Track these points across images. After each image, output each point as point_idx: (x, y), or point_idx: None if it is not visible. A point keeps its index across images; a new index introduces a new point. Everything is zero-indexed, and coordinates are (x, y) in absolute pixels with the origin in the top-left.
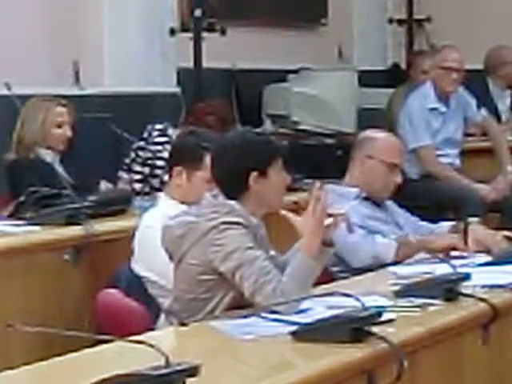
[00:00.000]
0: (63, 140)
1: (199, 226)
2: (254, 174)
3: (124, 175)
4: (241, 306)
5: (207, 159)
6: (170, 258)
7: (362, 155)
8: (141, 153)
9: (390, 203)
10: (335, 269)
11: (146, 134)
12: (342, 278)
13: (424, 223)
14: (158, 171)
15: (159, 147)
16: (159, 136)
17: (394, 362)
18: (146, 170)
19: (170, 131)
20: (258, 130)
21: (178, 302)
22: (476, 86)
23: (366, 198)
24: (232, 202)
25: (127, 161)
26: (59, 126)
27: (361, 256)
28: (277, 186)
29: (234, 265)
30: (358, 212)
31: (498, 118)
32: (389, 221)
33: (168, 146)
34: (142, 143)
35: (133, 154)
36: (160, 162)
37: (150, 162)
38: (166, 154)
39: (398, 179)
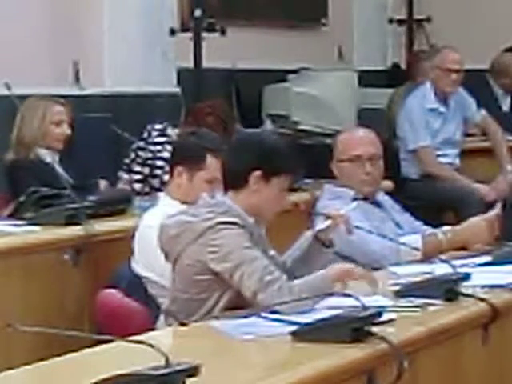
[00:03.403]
0: (62, 139)
1: (195, 227)
2: (257, 173)
3: (124, 175)
4: (238, 306)
5: (209, 160)
6: (166, 256)
7: (333, 161)
8: (141, 153)
9: (386, 198)
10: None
11: (145, 134)
12: None
13: (419, 223)
14: (158, 171)
15: (159, 147)
16: (159, 136)
17: (393, 362)
18: (146, 170)
19: (170, 131)
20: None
21: (175, 302)
22: (479, 86)
23: (365, 198)
24: (228, 201)
25: (127, 161)
26: (58, 125)
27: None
28: (273, 199)
29: (232, 265)
30: (360, 213)
31: (502, 116)
32: (386, 218)
33: (168, 146)
34: (141, 143)
35: (132, 155)
36: (160, 162)
37: (149, 162)
38: (165, 154)
39: (368, 169)
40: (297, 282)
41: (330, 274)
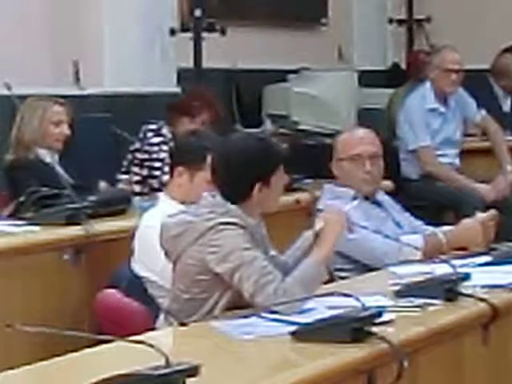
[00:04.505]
0: (62, 139)
1: (196, 226)
2: (258, 184)
3: (123, 177)
4: (238, 306)
5: (209, 159)
6: (166, 255)
7: (334, 161)
8: (138, 154)
9: (386, 198)
10: (346, 266)
11: (141, 135)
12: (341, 278)
13: (419, 223)
14: (157, 172)
15: (155, 148)
16: (154, 136)
17: (394, 362)
18: (144, 171)
19: (165, 131)
20: (258, 131)
21: (175, 301)
22: (480, 85)
23: (365, 198)
24: (228, 202)
25: (125, 163)
26: (57, 125)
27: (390, 255)
28: (277, 191)
29: (232, 266)
30: (360, 212)
31: (503, 116)
32: (386, 218)
33: (164, 146)
34: (137, 145)
35: (130, 156)
36: (157, 163)
37: (147, 163)
38: (162, 155)
39: (368, 167)
40: (289, 279)
41: (319, 259)
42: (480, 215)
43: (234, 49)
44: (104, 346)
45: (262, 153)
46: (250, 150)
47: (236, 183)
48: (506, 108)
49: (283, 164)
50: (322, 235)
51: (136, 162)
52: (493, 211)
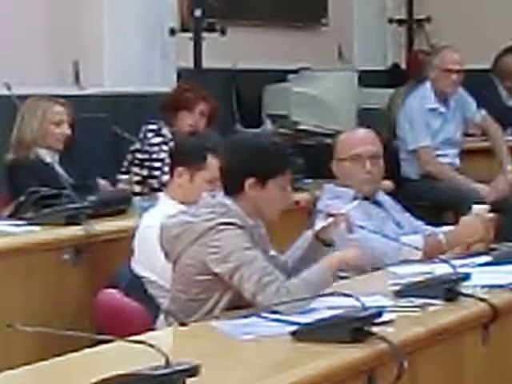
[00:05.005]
0: (62, 139)
1: (195, 227)
2: (251, 180)
3: (123, 177)
4: (238, 306)
5: (209, 159)
6: (166, 256)
7: (334, 161)
8: (138, 154)
9: (386, 198)
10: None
11: (141, 135)
12: (341, 278)
13: (419, 223)
14: (156, 172)
15: (155, 148)
16: (154, 137)
17: (394, 362)
18: (145, 171)
19: (165, 131)
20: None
21: (175, 302)
22: (480, 85)
23: (365, 198)
24: (228, 202)
25: (125, 163)
26: (58, 125)
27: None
28: (274, 200)
29: (232, 266)
30: (361, 212)
31: (506, 110)
32: (387, 218)
33: (164, 147)
34: (137, 145)
35: (130, 156)
36: (157, 164)
37: (147, 163)
38: (162, 155)
39: (368, 167)
40: (294, 280)
41: (328, 266)
42: (476, 207)
43: (234, 49)
44: (104, 345)
45: (265, 153)
46: (255, 145)
47: (231, 170)
48: (510, 103)
49: (291, 175)
50: (337, 252)
51: (136, 162)
52: (492, 214)
